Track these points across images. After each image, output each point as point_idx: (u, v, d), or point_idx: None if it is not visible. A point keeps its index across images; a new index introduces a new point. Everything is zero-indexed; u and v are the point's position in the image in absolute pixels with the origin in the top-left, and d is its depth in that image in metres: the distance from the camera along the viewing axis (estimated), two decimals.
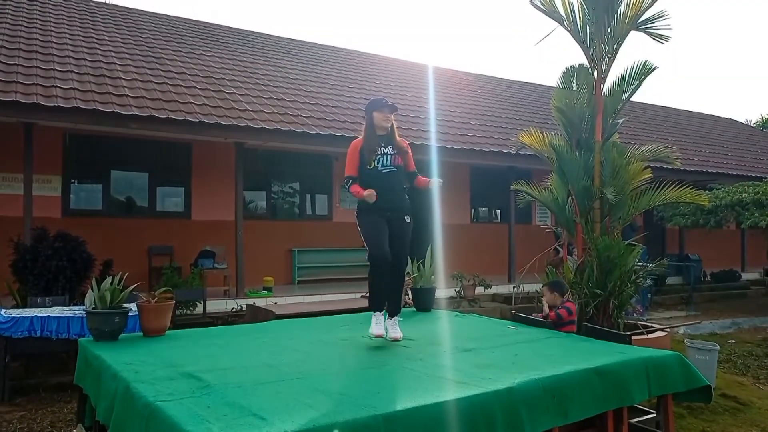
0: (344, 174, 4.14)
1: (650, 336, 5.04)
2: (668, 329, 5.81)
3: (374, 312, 4.05)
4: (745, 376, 6.41)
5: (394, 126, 4.21)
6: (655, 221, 12.96)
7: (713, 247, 14.93)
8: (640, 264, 5.56)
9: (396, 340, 3.97)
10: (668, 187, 5.50)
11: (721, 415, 4.97)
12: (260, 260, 10.03)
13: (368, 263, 4.03)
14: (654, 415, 3.79)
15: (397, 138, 4.20)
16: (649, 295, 10.59)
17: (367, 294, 4.14)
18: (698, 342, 5.94)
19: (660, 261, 5.94)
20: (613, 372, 3.30)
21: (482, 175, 12.88)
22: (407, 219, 4.13)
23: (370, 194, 3.89)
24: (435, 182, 4.23)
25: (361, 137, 4.16)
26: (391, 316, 4.11)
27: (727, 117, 24.00)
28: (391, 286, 4.16)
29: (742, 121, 27.95)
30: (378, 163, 4.04)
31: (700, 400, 3.99)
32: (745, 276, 14.85)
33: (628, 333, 4.38)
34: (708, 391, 3.80)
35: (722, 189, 11.67)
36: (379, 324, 4.00)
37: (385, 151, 4.08)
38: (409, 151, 4.25)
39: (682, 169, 10.92)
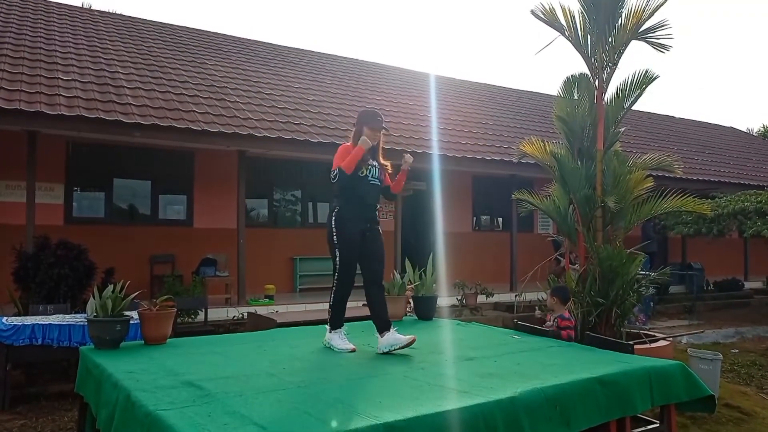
0: (333, 167, 4.04)
1: (653, 345, 5.02)
2: (671, 338, 5.78)
3: (334, 329, 4.01)
4: (749, 386, 6.37)
5: (381, 141, 4.23)
6: (657, 230, 12.94)
7: (716, 255, 14.89)
8: (643, 273, 5.55)
9: (413, 341, 3.82)
10: (670, 196, 5.49)
11: (725, 425, 4.94)
12: (262, 268, 10.03)
13: (337, 279, 4.01)
14: (657, 425, 3.76)
15: (381, 158, 4.22)
16: (651, 304, 10.55)
17: (330, 309, 4.06)
18: (701, 351, 5.91)
19: (662, 270, 5.91)
20: (615, 381, 3.29)
21: (484, 183, 12.90)
22: (380, 230, 4.21)
23: (365, 140, 3.90)
24: (407, 158, 4.23)
25: (350, 143, 4.16)
26: (387, 329, 3.92)
27: (729, 126, 24.03)
28: (375, 299, 4.07)
29: (744, 129, 27.97)
30: (369, 173, 4.08)
31: (703, 410, 3.97)
32: (748, 285, 14.79)
33: (631, 342, 4.36)
34: (711, 400, 3.78)
35: (724, 198, 11.65)
36: (343, 338, 3.97)
37: (373, 164, 4.13)
38: (390, 170, 4.30)
39: (684, 177, 10.88)
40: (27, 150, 7.56)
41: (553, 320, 4.90)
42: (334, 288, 4.06)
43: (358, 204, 4.05)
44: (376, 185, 4.15)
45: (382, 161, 4.22)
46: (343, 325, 4.06)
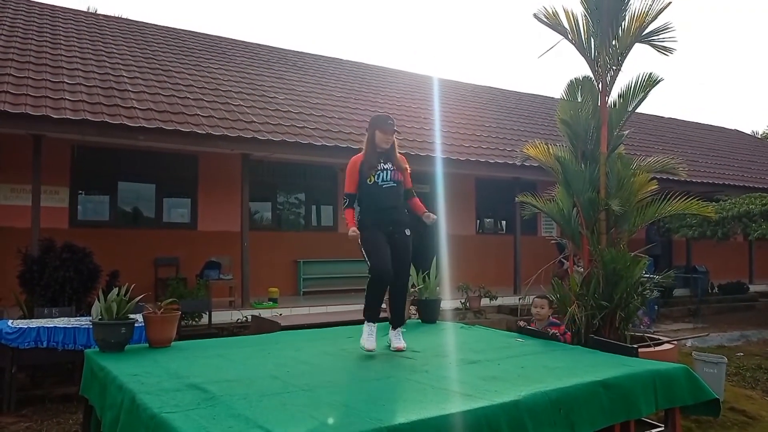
0: (344, 191, 4.19)
1: (657, 348, 4.99)
2: (675, 342, 5.76)
3: (367, 322, 4.05)
4: (754, 390, 6.35)
5: (395, 144, 4.26)
6: (661, 233, 12.91)
7: (720, 258, 14.84)
8: (647, 276, 5.52)
9: (399, 350, 4.01)
10: (675, 199, 5.47)
11: (730, 429, 4.92)
12: (266, 271, 10.04)
13: (369, 276, 4.04)
14: (662, 428, 3.75)
15: (398, 155, 4.25)
16: (656, 307, 10.52)
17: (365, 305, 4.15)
18: (706, 355, 5.89)
19: (667, 273, 5.89)
20: (619, 385, 3.28)
21: (487, 186, 12.90)
22: (407, 232, 4.18)
23: (352, 235, 3.96)
24: (430, 217, 4.23)
25: (362, 152, 4.21)
26: (395, 327, 4.15)
27: (733, 128, 23.97)
28: (395, 298, 4.21)
29: (749, 132, 27.89)
30: (378, 179, 4.09)
31: (708, 413, 3.94)
32: (753, 288, 14.74)
33: (635, 345, 4.35)
34: (716, 404, 3.76)
35: (729, 200, 11.62)
36: (371, 336, 3.99)
37: (385, 167, 4.14)
38: (408, 169, 4.31)
39: (688, 180, 10.88)
40: (32, 153, 7.61)
41: (549, 330, 4.88)
42: (367, 289, 4.09)
43: (374, 210, 4.08)
44: (391, 187, 4.14)
45: (397, 161, 4.22)
46: (375, 321, 4.06)
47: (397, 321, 4.17)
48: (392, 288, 4.21)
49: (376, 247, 4.02)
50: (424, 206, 4.36)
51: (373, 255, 4.01)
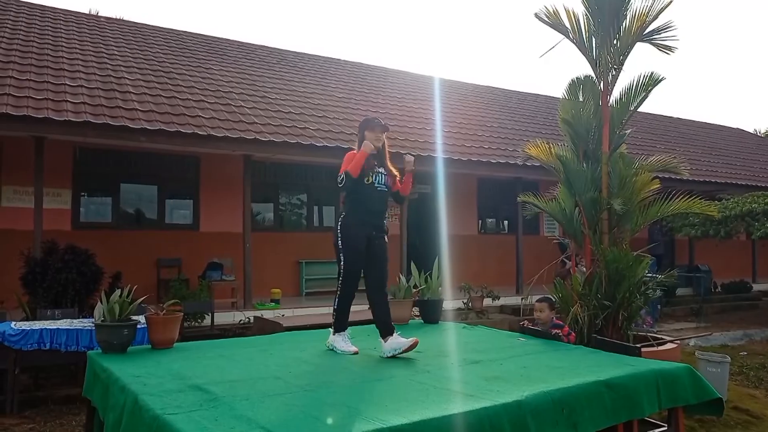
0: (348, 170, 3.96)
1: (660, 348, 4.98)
2: (678, 341, 5.74)
3: (338, 332, 4.03)
4: (758, 389, 6.33)
5: (386, 146, 4.25)
6: (664, 232, 12.89)
7: (723, 257, 14.81)
8: (650, 275, 5.51)
9: (416, 344, 3.81)
10: (677, 198, 5.46)
11: (733, 428, 4.91)
12: (268, 272, 10.05)
13: (341, 284, 4.02)
14: (665, 428, 3.74)
15: (389, 162, 4.24)
16: (658, 307, 10.49)
17: (334, 313, 4.09)
18: (709, 354, 5.88)
19: (670, 272, 5.88)
20: (622, 384, 3.27)
21: (489, 186, 12.89)
22: (386, 239, 4.21)
23: (368, 144, 3.95)
24: (407, 159, 4.18)
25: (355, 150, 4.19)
26: (390, 334, 3.92)
27: (735, 127, 23.92)
28: (377, 305, 4.07)
29: (751, 131, 27.83)
30: (375, 180, 4.10)
31: (711, 413, 3.94)
32: (756, 287, 14.69)
33: (638, 345, 4.34)
34: (719, 403, 3.75)
35: (732, 199, 11.60)
36: (346, 341, 3.98)
37: (379, 171, 4.15)
38: (398, 176, 4.30)
39: (690, 179, 10.87)
40: (34, 155, 7.62)
41: (552, 332, 4.86)
42: (338, 293, 4.11)
43: (364, 211, 4.08)
44: (383, 191, 4.17)
45: (390, 166, 4.24)
46: (346, 329, 4.09)
47: (385, 330, 3.94)
48: (373, 295, 4.08)
49: (354, 250, 4.02)
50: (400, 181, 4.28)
51: (351, 256, 4.01)
